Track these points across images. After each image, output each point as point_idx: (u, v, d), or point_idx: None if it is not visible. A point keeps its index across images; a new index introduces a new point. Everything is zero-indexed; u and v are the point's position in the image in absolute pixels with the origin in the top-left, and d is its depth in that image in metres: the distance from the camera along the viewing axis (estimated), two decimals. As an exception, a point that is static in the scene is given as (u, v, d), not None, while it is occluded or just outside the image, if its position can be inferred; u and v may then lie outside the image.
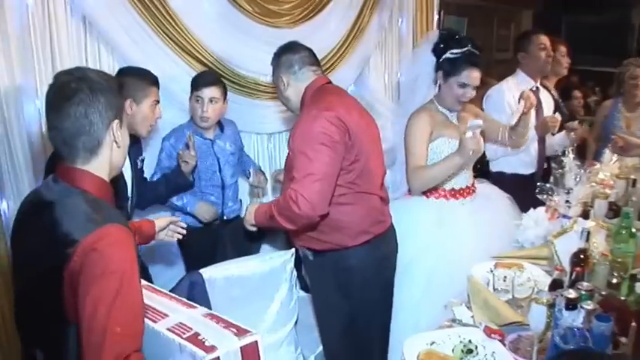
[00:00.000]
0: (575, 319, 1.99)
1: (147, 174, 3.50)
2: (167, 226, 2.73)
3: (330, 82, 2.94)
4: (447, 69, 3.22)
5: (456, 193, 3.35)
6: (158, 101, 3.12)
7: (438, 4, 5.65)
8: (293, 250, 3.07)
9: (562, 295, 2.08)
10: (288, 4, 4.32)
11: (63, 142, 1.77)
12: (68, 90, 1.73)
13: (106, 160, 1.83)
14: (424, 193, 3.32)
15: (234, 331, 1.79)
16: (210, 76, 3.62)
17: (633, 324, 2.04)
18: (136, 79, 3.01)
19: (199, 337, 1.73)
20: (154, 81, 3.11)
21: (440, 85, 3.28)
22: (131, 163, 3.11)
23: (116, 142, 1.84)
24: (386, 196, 2.99)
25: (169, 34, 3.71)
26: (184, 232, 2.80)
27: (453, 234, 3.17)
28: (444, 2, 5.74)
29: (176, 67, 3.76)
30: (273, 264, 3.01)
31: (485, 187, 3.59)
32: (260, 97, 4.11)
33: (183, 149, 3.43)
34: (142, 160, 3.35)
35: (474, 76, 3.18)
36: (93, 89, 1.74)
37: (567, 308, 2.00)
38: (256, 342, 1.77)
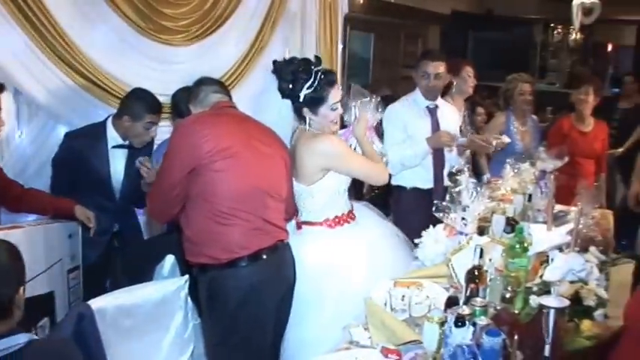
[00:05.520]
0: (464, 336, 1.99)
1: None
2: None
3: (231, 106, 3.05)
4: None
5: (340, 220, 3.20)
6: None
7: (342, 20, 5.68)
8: (187, 276, 2.99)
9: (455, 313, 2.08)
10: (185, 20, 4.26)
11: None
12: None
13: None
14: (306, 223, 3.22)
15: None
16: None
17: (516, 337, 2.04)
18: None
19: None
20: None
21: None
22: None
23: None
24: (272, 219, 2.88)
25: (58, 53, 3.60)
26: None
27: (345, 261, 3.09)
28: (349, 18, 5.76)
29: (65, 87, 3.66)
30: (167, 291, 2.91)
31: (360, 208, 3.47)
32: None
33: None
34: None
35: None
36: None
37: (456, 325, 2.00)
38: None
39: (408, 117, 4.20)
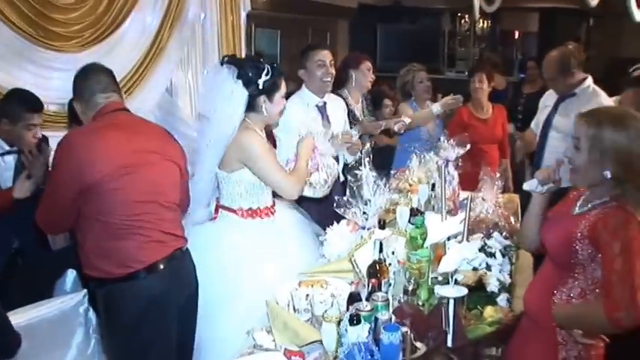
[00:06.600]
0: (360, 333, 1.97)
1: None
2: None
3: (124, 109, 2.92)
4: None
5: (253, 213, 3.23)
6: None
7: (245, 19, 5.62)
8: (85, 290, 2.94)
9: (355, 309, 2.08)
10: (77, 25, 4.13)
11: None
12: None
13: None
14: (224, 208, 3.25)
15: None
16: None
17: (408, 330, 2.04)
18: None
19: None
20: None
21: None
22: None
23: None
24: (168, 229, 2.82)
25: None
26: None
27: (254, 254, 3.10)
28: (253, 15, 5.68)
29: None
30: (65, 307, 2.86)
31: (284, 207, 3.47)
32: (47, 128, 3.84)
33: None
34: None
35: None
36: None
37: (351, 323, 1.98)
38: None
39: (301, 118, 4.07)
